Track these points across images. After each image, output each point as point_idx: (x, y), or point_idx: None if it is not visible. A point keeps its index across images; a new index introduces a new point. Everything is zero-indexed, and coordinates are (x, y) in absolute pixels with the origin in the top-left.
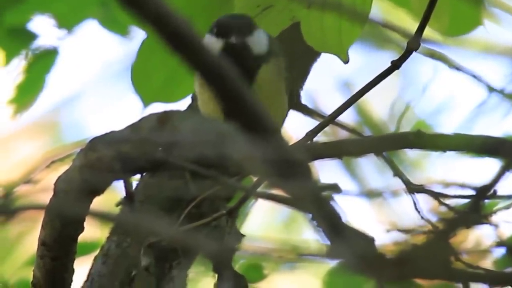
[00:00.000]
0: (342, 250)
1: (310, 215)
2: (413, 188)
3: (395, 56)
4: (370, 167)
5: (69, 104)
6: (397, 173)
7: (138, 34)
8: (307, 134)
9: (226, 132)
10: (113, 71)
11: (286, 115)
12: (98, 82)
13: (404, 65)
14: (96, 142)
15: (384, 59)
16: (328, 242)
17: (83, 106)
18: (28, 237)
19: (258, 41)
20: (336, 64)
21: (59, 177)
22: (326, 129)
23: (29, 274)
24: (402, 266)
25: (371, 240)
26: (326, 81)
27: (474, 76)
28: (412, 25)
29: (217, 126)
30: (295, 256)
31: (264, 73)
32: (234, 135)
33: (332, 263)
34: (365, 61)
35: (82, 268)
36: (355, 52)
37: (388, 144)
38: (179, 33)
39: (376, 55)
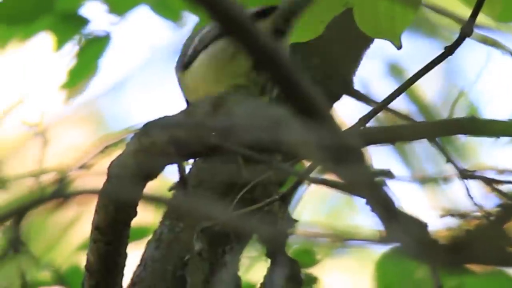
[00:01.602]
0: (397, 235)
1: (365, 200)
2: (466, 174)
3: (443, 43)
4: (423, 153)
5: (118, 89)
6: (450, 159)
7: (190, 19)
8: (360, 119)
9: (280, 117)
10: (164, 57)
11: None
12: (148, 67)
13: (457, 51)
14: (150, 127)
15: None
16: (382, 228)
17: (132, 91)
18: (81, 222)
19: None
20: (389, 50)
21: (112, 162)
22: (379, 114)
23: (81, 260)
24: (456, 252)
25: (424, 225)
26: (379, 67)
27: None
28: (464, 11)
29: (271, 111)
30: (347, 242)
31: None
32: (288, 120)
33: (385, 249)
34: (416, 47)
35: (135, 252)
36: (406, 38)
37: (442, 129)
38: (232, 17)
39: (425, 42)
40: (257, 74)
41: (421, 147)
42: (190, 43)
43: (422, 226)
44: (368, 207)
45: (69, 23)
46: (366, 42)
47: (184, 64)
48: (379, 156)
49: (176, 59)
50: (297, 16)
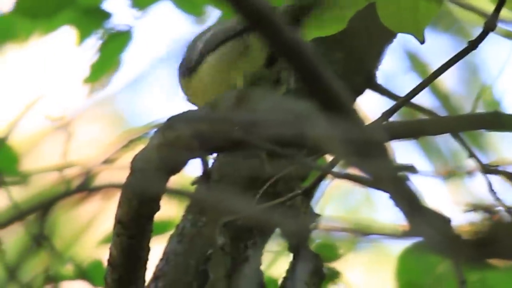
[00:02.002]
0: (420, 230)
1: (388, 195)
2: (488, 169)
3: (466, 37)
4: (446, 148)
5: (140, 84)
6: (473, 153)
7: (212, 14)
8: (383, 114)
9: (304, 111)
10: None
11: None
12: (170, 61)
13: (480, 45)
14: (174, 121)
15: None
16: (405, 222)
17: (154, 86)
18: (104, 216)
19: None
20: (412, 44)
21: (136, 156)
22: (402, 109)
23: (103, 254)
24: (478, 246)
25: (447, 220)
26: (402, 62)
27: None
28: (488, 5)
29: (295, 105)
30: (370, 236)
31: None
32: (311, 114)
33: (408, 243)
34: (439, 42)
35: (157, 247)
36: (429, 33)
37: (465, 124)
38: (257, 11)
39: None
40: (268, 70)
41: (444, 142)
42: (192, 49)
43: (445, 221)
44: (391, 202)
45: (91, 17)
46: (389, 36)
47: (189, 70)
48: (402, 151)
49: (178, 67)
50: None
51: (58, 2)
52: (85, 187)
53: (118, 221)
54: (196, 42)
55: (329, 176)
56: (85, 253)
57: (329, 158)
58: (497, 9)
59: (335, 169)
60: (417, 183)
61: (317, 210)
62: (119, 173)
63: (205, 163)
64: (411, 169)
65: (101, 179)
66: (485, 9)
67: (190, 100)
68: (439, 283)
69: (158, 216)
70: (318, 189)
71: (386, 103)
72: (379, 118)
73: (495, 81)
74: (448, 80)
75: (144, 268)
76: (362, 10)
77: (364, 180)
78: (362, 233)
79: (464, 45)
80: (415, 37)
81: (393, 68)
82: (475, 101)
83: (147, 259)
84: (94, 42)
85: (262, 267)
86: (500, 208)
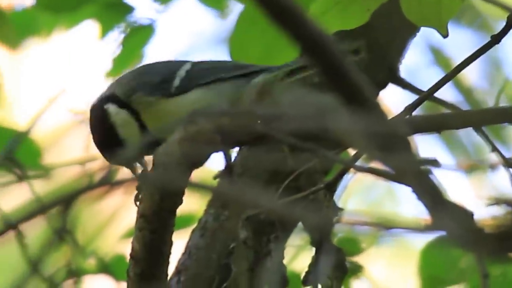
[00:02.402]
0: (443, 224)
1: (411, 189)
2: (510, 163)
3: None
4: (469, 142)
5: None
6: (495, 147)
7: (234, 8)
8: (406, 108)
9: (327, 105)
10: (208, 45)
11: None
12: (192, 55)
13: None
14: (196, 115)
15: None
16: (428, 216)
17: None
18: (126, 210)
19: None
20: (435, 38)
21: (158, 150)
22: (425, 103)
23: (126, 248)
24: (501, 240)
25: (470, 214)
26: (425, 56)
27: None
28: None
29: (317, 99)
30: (392, 230)
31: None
32: (334, 108)
33: (431, 237)
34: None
35: (180, 241)
36: (452, 27)
37: (487, 118)
38: (280, 4)
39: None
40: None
41: (467, 136)
42: (171, 71)
43: (468, 214)
44: (414, 196)
45: (114, 11)
46: (412, 30)
47: (169, 91)
48: (425, 145)
49: (144, 81)
50: None
51: None
52: (108, 181)
53: (141, 215)
54: (174, 66)
55: (352, 170)
56: (108, 247)
57: (352, 152)
58: None
59: (358, 163)
60: (440, 177)
61: (339, 204)
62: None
63: (227, 157)
64: (434, 163)
65: (124, 173)
66: (508, 3)
67: (149, 118)
68: (462, 277)
69: (180, 210)
70: (341, 183)
71: (409, 97)
72: (402, 112)
73: None
74: (471, 74)
75: (166, 262)
76: (385, 3)
77: (387, 174)
78: (384, 227)
79: (487, 39)
80: (438, 31)
81: (416, 62)
82: (497, 95)
83: (169, 253)
84: (116, 36)
85: (285, 261)
86: None
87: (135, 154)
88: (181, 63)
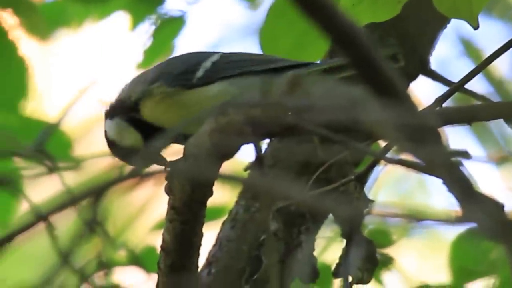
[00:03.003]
0: (473, 215)
1: (441, 181)
2: None
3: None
4: (499, 133)
5: None
6: None
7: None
8: (436, 100)
9: (358, 97)
10: (238, 36)
11: None
12: (223, 46)
13: None
14: (226, 107)
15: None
16: (458, 208)
17: None
18: (157, 202)
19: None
20: (466, 30)
21: (189, 141)
22: (455, 95)
23: (157, 240)
24: None
25: (501, 206)
26: (456, 47)
27: None
28: None
29: (348, 91)
30: (423, 222)
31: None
32: (365, 99)
33: (461, 229)
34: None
35: (210, 232)
36: (482, 19)
37: None
38: None
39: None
40: None
41: (497, 127)
42: (195, 62)
43: (499, 206)
44: (444, 188)
45: (144, 3)
46: (442, 22)
47: (190, 82)
48: (455, 137)
49: (166, 72)
50: None
51: None
52: (138, 172)
53: (171, 207)
54: (197, 58)
55: (383, 161)
56: (138, 239)
57: (382, 143)
58: None
59: (389, 154)
60: (470, 168)
61: (370, 195)
62: (173, 158)
63: (258, 148)
64: (465, 154)
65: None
66: None
67: (163, 110)
68: (492, 269)
69: (211, 201)
70: (371, 175)
71: (440, 89)
72: (432, 104)
73: None
74: (502, 66)
75: (197, 254)
76: None
77: (418, 166)
78: (415, 219)
79: None
80: (469, 22)
81: (446, 54)
82: None
83: (200, 245)
84: (147, 28)
85: (315, 253)
86: None
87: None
88: (210, 54)
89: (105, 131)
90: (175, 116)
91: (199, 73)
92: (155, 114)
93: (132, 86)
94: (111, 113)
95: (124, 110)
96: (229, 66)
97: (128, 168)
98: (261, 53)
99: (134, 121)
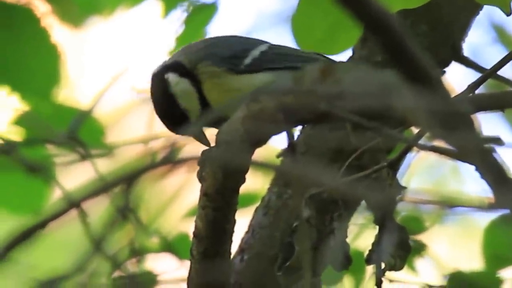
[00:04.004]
0: (506, 202)
1: (474, 167)
2: None
3: None
4: None
5: None
6: None
7: None
8: (469, 86)
9: (390, 83)
10: (270, 23)
11: None
12: (255, 34)
13: None
14: (259, 94)
15: None
16: (491, 195)
17: None
18: (189, 189)
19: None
20: (498, 16)
21: (221, 128)
22: (488, 81)
23: (189, 227)
24: None
25: None
26: (488, 34)
27: None
28: None
29: (381, 77)
30: (456, 209)
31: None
32: (398, 86)
33: (494, 216)
34: None
35: (243, 219)
36: None
37: None
38: None
39: None
40: None
41: None
42: (244, 48)
43: None
44: (477, 174)
45: None
46: (475, 8)
47: (238, 68)
48: (488, 123)
49: (214, 52)
50: None
51: None
52: (171, 159)
53: (204, 194)
54: (249, 43)
55: (415, 148)
56: (171, 226)
57: (415, 130)
58: None
59: (421, 141)
60: (503, 155)
61: (402, 182)
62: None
63: (290, 135)
64: (498, 141)
65: (187, 151)
66: None
67: (208, 88)
68: None
69: (243, 188)
70: (404, 162)
71: (472, 76)
72: (465, 91)
73: None
74: None
75: (230, 241)
76: None
77: (450, 152)
78: (448, 205)
79: None
80: (501, 9)
81: (479, 40)
82: None
83: (232, 232)
84: (179, 15)
85: (348, 240)
86: None
87: (197, 126)
88: (258, 42)
89: (168, 83)
90: (219, 98)
91: (247, 60)
92: (205, 91)
93: (184, 56)
94: (178, 71)
95: (190, 76)
96: (276, 58)
97: (161, 155)
98: (307, 51)
99: (199, 91)
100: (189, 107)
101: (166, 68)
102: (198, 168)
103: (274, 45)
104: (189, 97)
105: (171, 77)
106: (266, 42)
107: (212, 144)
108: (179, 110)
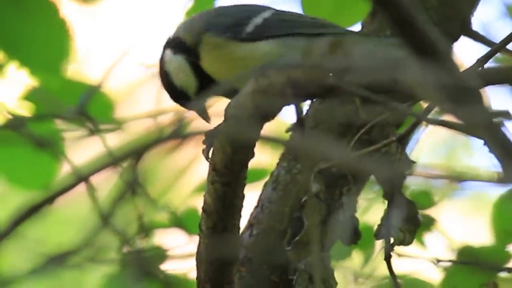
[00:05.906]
0: None
1: (483, 142)
2: None
3: None
4: None
5: None
6: None
7: None
8: (478, 60)
9: (398, 57)
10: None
11: None
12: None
13: None
14: (268, 68)
15: None
16: (500, 169)
17: None
18: (198, 163)
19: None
20: None
21: (230, 103)
22: (497, 55)
23: (198, 202)
24: None
25: None
26: (498, 8)
27: None
28: None
29: (389, 51)
30: (465, 183)
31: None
32: (406, 60)
33: (503, 190)
34: None
35: (252, 194)
36: None
37: None
38: None
39: None
40: None
41: None
42: (246, 15)
43: None
44: (486, 148)
45: None
46: None
47: (240, 35)
48: (497, 97)
49: (216, 22)
50: None
51: None
52: (179, 134)
53: (213, 168)
54: (251, 11)
55: (424, 123)
56: (180, 201)
57: (424, 104)
58: None
59: (430, 115)
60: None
61: (412, 157)
62: (214, 119)
63: (299, 110)
64: (506, 115)
65: (195, 126)
66: None
67: (212, 60)
68: None
69: (252, 163)
70: (413, 136)
71: (481, 50)
72: (474, 65)
73: None
74: None
75: (238, 216)
76: None
77: (459, 127)
78: (457, 180)
79: None
80: None
81: (488, 14)
82: None
83: (241, 207)
84: None
85: (357, 214)
86: None
87: (200, 101)
88: (261, 9)
89: (163, 61)
90: (223, 68)
91: (249, 27)
92: (206, 64)
93: (186, 30)
94: (175, 48)
95: (187, 51)
96: (279, 24)
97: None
98: (312, 16)
99: (195, 66)
100: (185, 83)
101: (166, 44)
102: (203, 143)
103: (279, 11)
104: (183, 74)
105: (167, 55)
106: (270, 8)
107: (213, 120)
108: (176, 87)
